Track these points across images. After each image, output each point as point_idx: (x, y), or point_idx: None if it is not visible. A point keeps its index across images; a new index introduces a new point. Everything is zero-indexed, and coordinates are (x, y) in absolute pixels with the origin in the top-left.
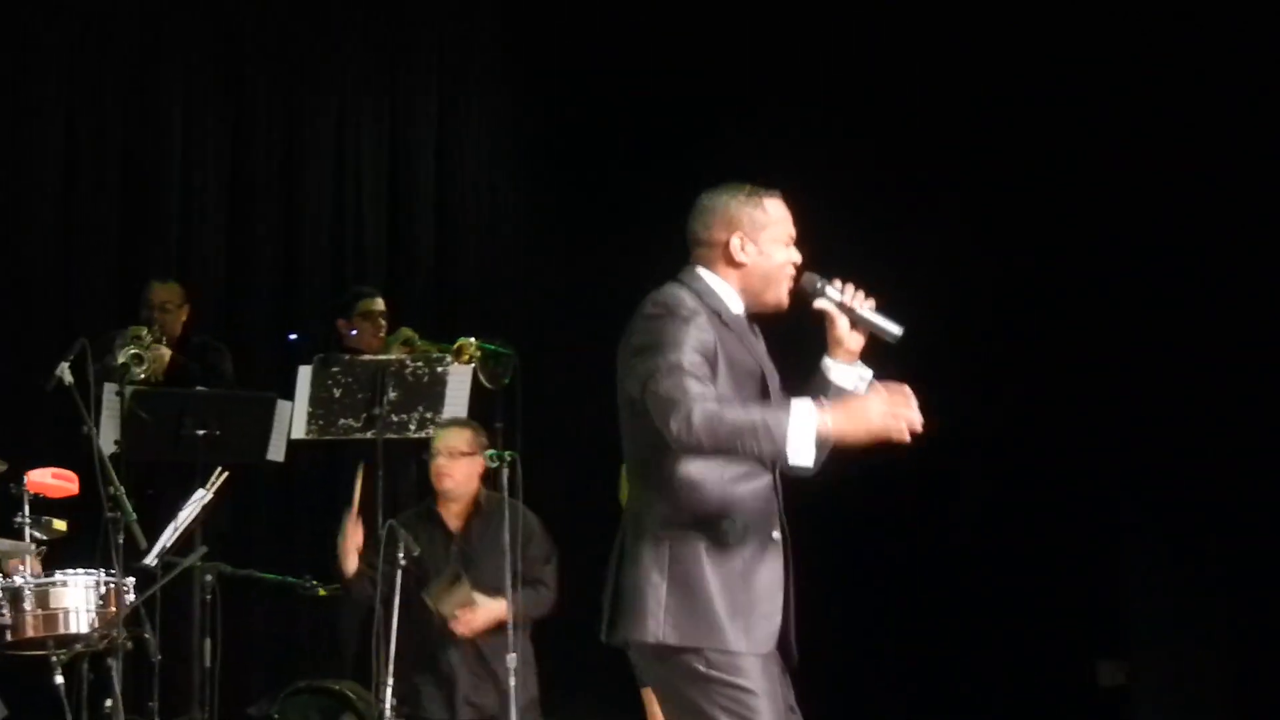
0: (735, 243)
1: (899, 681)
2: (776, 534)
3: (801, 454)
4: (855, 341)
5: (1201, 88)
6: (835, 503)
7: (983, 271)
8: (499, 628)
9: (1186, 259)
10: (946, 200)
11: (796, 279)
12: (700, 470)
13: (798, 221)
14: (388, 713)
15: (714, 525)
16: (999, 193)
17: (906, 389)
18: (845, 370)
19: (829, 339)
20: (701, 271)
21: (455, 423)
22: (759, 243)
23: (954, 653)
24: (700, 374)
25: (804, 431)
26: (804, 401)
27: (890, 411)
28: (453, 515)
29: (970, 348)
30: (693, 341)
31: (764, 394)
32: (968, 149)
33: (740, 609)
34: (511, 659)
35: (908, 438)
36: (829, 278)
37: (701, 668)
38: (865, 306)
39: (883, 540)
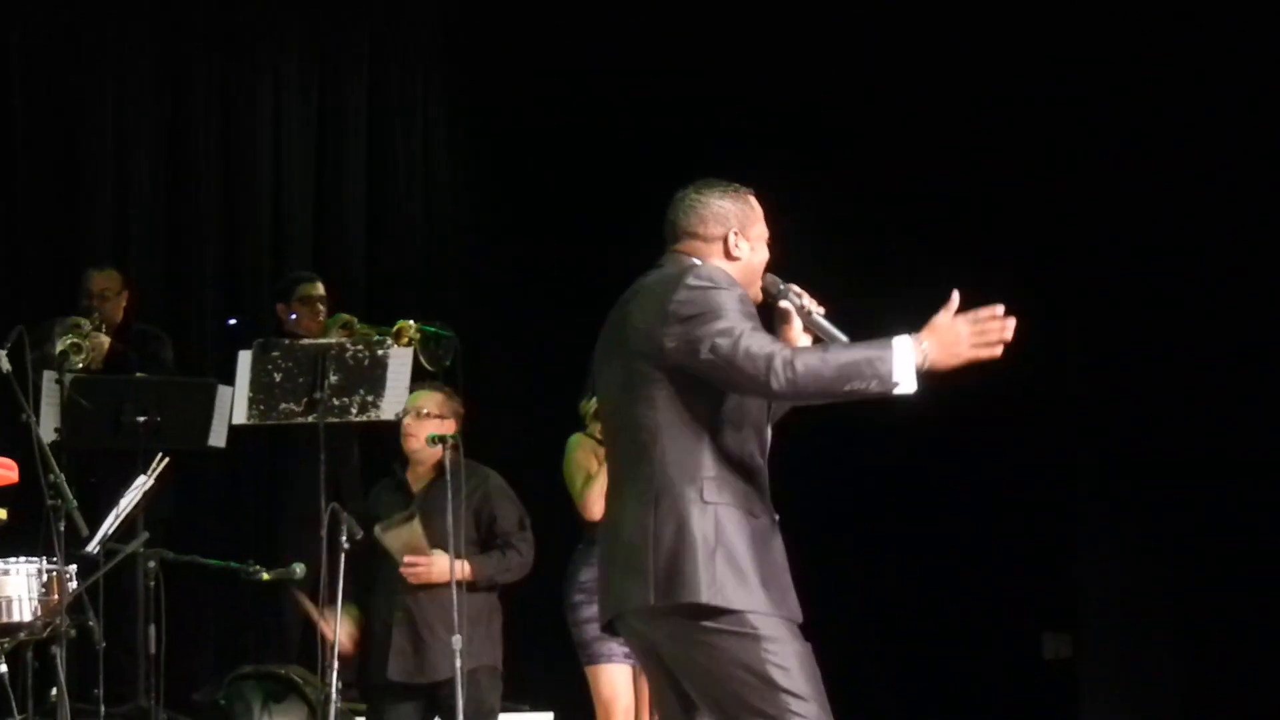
0: (732, 238)
1: (842, 651)
2: (775, 515)
3: (907, 384)
4: (804, 344)
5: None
6: (777, 471)
7: (938, 244)
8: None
9: (1138, 236)
10: (915, 184)
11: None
12: (731, 445)
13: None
14: (334, 696)
15: (748, 498)
16: (968, 172)
17: (998, 308)
18: None
19: (780, 339)
20: (698, 263)
21: (427, 385)
22: (750, 239)
23: (900, 624)
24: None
25: (908, 363)
26: (904, 337)
27: (978, 333)
28: (417, 478)
29: (917, 307)
30: (744, 310)
31: None
32: (932, 148)
33: (773, 578)
34: (456, 640)
35: (998, 353)
36: (787, 281)
37: (747, 629)
38: (817, 312)
39: (828, 512)
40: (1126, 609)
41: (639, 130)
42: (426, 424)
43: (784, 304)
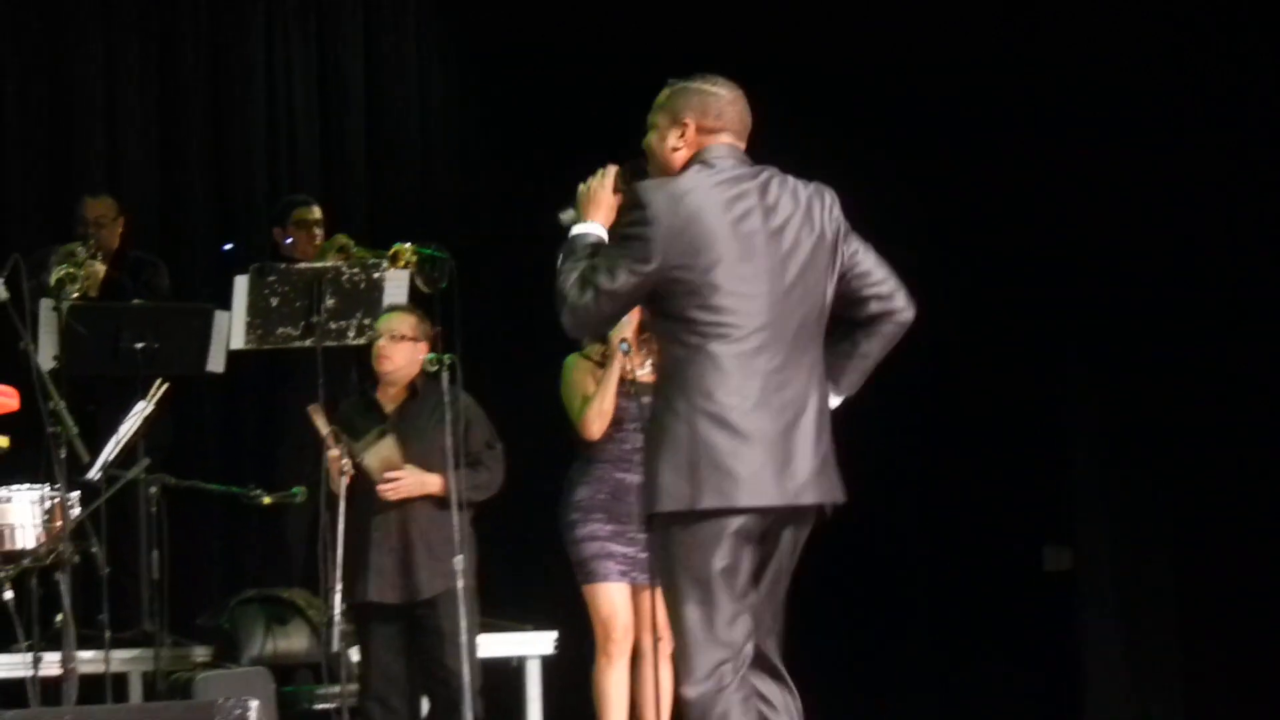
0: None
1: (844, 565)
2: None
3: None
4: None
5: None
6: None
7: (930, 159)
8: (438, 509)
9: (1137, 150)
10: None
11: None
12: None
13: None
14: (336, 618)
15: None
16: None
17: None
18: None
19: None
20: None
21: (399, 307)
22: None
23: (899, 538)
24: None
25: None
26: None
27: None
28: (389, 399)
29: (913, 234)
30: None
31: None
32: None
33: None
34: (458, 561)
35: None
36: None
37: None
38: None
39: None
40: (1125, 521)
41: (633, 53)
42: (402, 346)
43: None
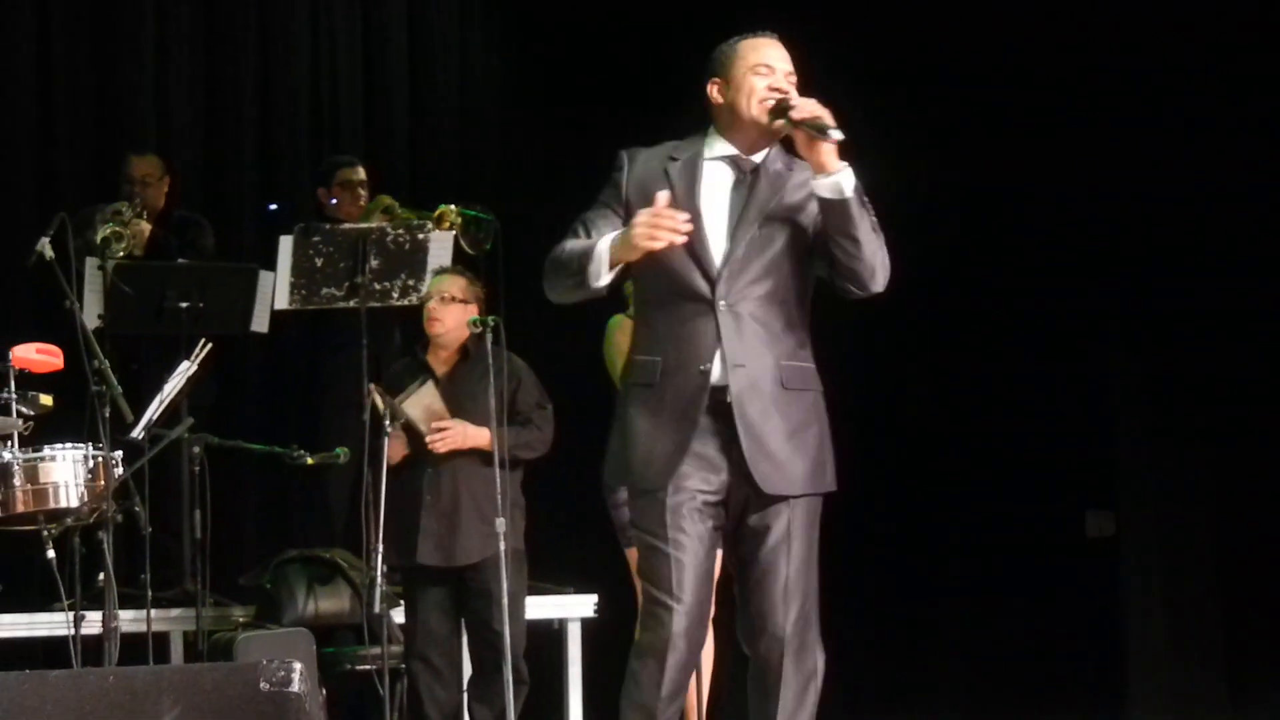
0: (713, 90)
1: (888, 529)
2: None
3: (600, 276)
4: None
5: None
6: (827, 347)
7: (970, 118)
8: (487, 471)
9: (1180, 120)
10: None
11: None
12: None
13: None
14: (378, 579)
15: None
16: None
17: (670, 211)
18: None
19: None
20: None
21: (450, 270)
22: (729, 79)
23: (942, 503)
24: (586, 224)
25: (601, 257)
26: (607, 238)
27: (647, 225)
28: (440, 361)
29: (957, 201)
30: (602, 195)
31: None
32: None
33: None
34: (500, 523)
35: (665, 243)
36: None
37: None
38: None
39: (870, 387)
40: (1168, 487)
41: (673, 15)
42: (452, 308)
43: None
